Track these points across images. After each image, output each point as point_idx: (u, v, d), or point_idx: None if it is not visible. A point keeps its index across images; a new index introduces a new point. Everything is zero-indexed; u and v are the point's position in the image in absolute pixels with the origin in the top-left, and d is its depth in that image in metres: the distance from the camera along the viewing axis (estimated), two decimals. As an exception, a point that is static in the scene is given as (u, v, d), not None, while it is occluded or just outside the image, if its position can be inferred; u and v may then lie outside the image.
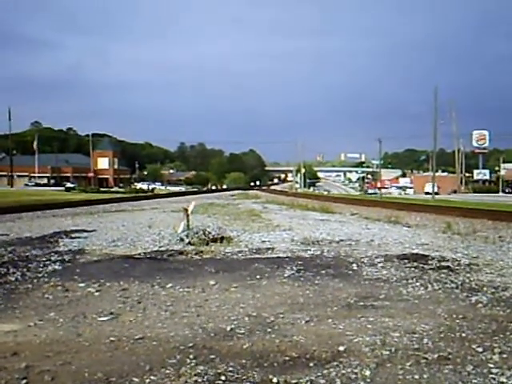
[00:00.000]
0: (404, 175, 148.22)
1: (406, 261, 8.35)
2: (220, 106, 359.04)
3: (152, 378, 3.56)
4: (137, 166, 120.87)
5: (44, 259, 8.71)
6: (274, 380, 3.52)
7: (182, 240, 10.86)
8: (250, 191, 79.54)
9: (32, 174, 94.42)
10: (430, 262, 8.19)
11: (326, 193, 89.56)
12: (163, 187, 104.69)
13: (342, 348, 4.12)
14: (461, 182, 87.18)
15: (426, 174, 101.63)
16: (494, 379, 3.50)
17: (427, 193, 66.75)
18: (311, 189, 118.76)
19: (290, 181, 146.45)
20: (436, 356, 3.93)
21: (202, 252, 9.46)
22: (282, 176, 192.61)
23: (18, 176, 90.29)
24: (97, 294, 6.22)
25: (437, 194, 55.55)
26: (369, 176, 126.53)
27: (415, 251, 9.47)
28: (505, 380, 3.48)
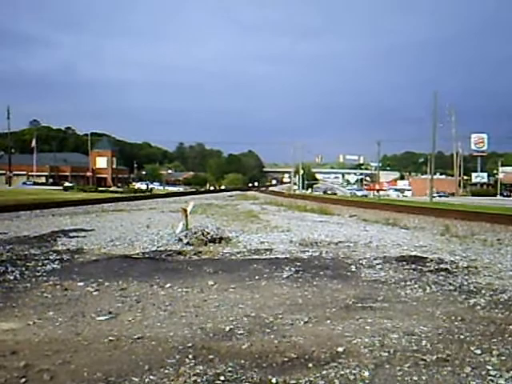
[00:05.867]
0: (402, 177, 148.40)
1: (404, 263, 8.36)
2: (219, 106, 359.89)
3: (151, 377, 3.57)
4: (135, 165, 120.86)
5: (42, 258, 8.70)
6: (273, 380, 3.52)
7: (180, 240, 10.86)
8: (249, 192, 79.55)
9: (30, 173, 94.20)
10: (428, 264, 8.20)
11: (322, 193, 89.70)
12: (161, 187, 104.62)
13: (340, 349, 4.13)
14: (459, 185, 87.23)
15: (424, 176, 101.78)
16: (493, 381, 3.51)
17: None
18: (309, 190, 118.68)
19: (288, 182, 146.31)
20: (434, 358, 3.94)
21: (200, 252, 9.47)
22: (281, 177, 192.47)
23: (16, 175, 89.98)
24: (95, 293, 6.21)
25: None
26: (367, 178, 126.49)
27: (413, 253, 9.47)
28: (503, 382, 3.49)
